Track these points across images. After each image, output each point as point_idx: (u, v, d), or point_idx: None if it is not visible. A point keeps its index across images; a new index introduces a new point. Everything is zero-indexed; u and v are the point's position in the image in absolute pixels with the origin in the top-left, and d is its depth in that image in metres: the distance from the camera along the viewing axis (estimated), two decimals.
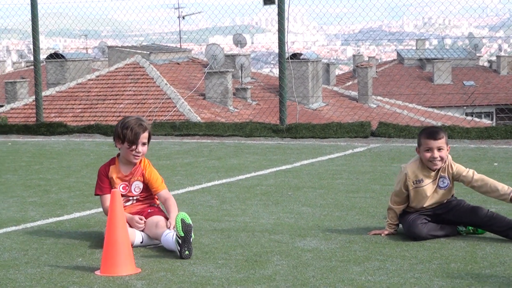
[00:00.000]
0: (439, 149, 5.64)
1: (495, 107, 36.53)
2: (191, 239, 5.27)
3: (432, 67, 41.37)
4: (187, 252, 5.23)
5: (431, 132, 5.69)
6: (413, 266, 4.96)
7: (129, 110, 23.27)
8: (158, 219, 5.61)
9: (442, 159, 5.66)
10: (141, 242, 5.57)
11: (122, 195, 5.73)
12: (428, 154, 5.66)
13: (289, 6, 12.66)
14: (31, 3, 14.00)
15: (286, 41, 12.69)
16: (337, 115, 21.69)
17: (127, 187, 5.77)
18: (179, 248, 5.25)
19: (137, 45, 29.83)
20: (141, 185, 5.79)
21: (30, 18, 14.07)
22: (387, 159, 9.76)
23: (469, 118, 20.56)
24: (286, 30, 12.64)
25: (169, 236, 5.38)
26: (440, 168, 5.70)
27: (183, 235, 5.21)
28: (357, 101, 29.66)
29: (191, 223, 5.26)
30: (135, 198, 5.80)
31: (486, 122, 28.57)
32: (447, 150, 5.70)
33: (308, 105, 27.36)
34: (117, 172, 5.77)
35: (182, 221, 5.22)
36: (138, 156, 5.74)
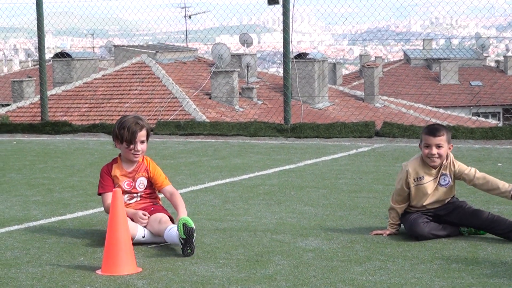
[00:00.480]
0: (438, 146, 5.64)
1: (502, 107, 36.46)
2: (194, 239, 5.28)
3: (439, 67, 41.33)
4: (189, 251, 5.26)
5: (431, 129, 5.69)
6: (414, 266, 4.95)
7: (135, 109, 23.30)
8: (161, 215, 5.63)
9: (440, 156, 5.65)
10: (143, 237, 5.57)
11: (126, 192, 5.75)
12: (427, 151, 5.67)
13: (293, 6, 12.66)
14: (37, 2, 14.01)
15: (291, 40, 12.68)
16: (343, 114, 21.66)
17: (131, 183, 5.77)
18: (181, 247, 5.27)
19: (143, 45, 29.86)
20: (145, 181, 5.80)
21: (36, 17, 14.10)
22: (391, 159, 9.75)
23: (474, 118, 20.53)
24: (291, 29, 12.63)
25: (173, 231, 5.39)
26: (441, 165, 5.69)
27: (185, 237, 5.23)
28: (363, 101, 29.65)
29: (193, 226, 5.27)
30: (139, 195, 5.81)
31: (492, 122, 28.51)
32: (449, 148, 5.69)
33: (314, 104, 27.35)
34: (121, 169, 5.79)
35: (184, 226, 5.24)
36: (138, 154, 5.75)
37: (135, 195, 5.81)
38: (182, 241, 5.24)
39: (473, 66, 41.83)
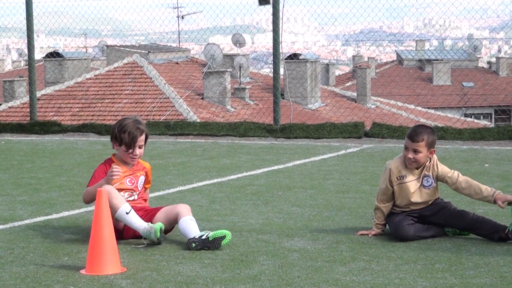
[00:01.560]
0: (415, 151, 5.63)
1: (494, 109, 36.54)
2: (206, 248, 5.36)
3: (431, 68, 41.39)
4: (194, 245, 5.36)
5: (411, 132, 5.69)
6: (398, 266, 4.96)
7: (127, 109, 23.27)
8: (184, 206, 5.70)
9: (416, 161, 5.65)
10: (127, 213, 5.51)
11: (128, 189, 5.77)
12: (404, 152, 5.68)
13: (283, 6, 12.66)
14: (26, 2, 13.98)
15: (280, 41, 12.69)
16: (333, 115, 21.70)
17: (133, 181, 5.80)
18: (196, 236, 5.37)
19: (135, 44, 29.83)
20: (143, 180, 5.87)
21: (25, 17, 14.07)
22: (379, 160, 9.76)
23: (462, 119, 20.56)
24: (280, 30, 12.64)
25: (193, 224, 5.49)
26: (424, 166, 5.70)
27: (210, 240, 5.37)
28: (355, 102, 29.67)
29: (223, 246, 5.39)
30: (136, 193, 5.83)
31: (482, 123, 28.55)
32: (431, 153, 5.67)
33: (306, 105, 27.35)
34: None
35: (223, 238, 5.37)
36: (135, 158, 5.80)
37: (133, 193, 5.81)
38: (203, 236, 5.35)
39: (465, 67, 41.90)
